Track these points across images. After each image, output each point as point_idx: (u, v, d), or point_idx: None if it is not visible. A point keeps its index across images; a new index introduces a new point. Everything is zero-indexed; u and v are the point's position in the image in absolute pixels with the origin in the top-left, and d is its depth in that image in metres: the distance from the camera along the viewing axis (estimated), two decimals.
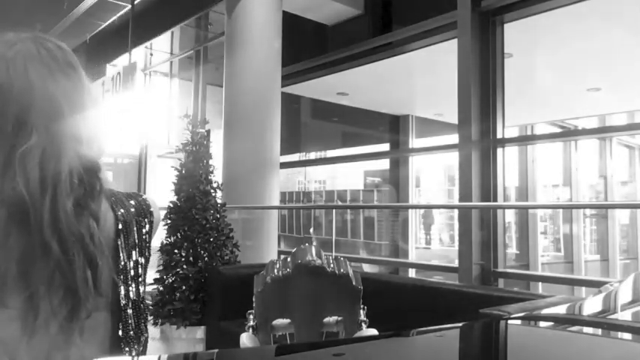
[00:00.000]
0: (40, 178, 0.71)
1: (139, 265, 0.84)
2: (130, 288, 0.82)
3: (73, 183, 0.74)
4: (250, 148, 5.20)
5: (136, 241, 0.84)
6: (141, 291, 0.85)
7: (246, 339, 2.11)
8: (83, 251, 0.73)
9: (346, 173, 10.47)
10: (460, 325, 0.70)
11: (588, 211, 8.93)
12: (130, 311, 0.81)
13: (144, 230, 0.85)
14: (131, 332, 0.81)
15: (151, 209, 0.88)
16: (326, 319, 2.08)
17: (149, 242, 0.87)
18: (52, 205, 0.71)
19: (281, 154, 5.51)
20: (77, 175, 0.75)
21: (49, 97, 0.76)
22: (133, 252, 0.83)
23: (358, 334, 2.05)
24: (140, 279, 0.85)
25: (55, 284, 0.71)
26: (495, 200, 4.49)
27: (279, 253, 5.40)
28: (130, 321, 0.81)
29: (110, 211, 0.82)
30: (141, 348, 0.83)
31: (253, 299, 2.21)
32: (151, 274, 4.54)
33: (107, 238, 0.80)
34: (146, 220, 0.86)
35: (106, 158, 10.49)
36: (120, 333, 0.80)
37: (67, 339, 0.73)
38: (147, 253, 0.86)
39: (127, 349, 0.80)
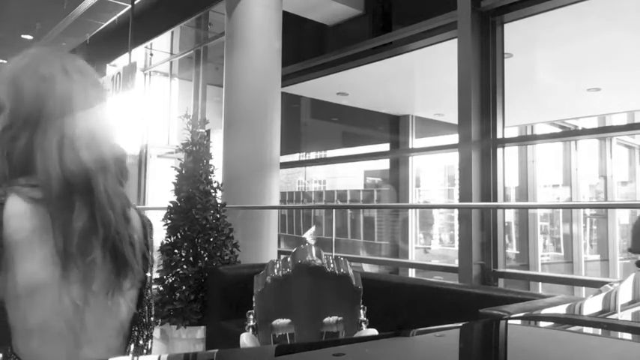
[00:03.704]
0: (94, 158, 0.84)
1: (149, 266, 0.94)
2: (148, 275, 0.92)
3: (114, 167, 0.88)
4: (250, 148, 5.19)
5: (149, 243, 0.95)
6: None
7: (246, 339, 2.11)
8: (127, 227, 0.85)
9: (346, 173, 10.48)
10: (460, 325, 0.70)
11: (588, 211, 8.93)
12: (148, 295, 0.91)
13: (149, 238, 0.96)
14: (146, 317, 0.90)
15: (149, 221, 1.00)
16: (326, 319, 2.09)
17: (152, 248, 0.97)
18: (105, 182, 0.83)
19: (281, 154, 5.51)
20: (115, 162, 0.88)
21: (84, 103, 0.91)
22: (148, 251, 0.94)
23: (358, 334, 2.05)
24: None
25: (109, 253, 0.80)
26: (495, 200, 4.49)
27: (279, 253, 5.40)
28: (145, 306, 0.90)
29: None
30: (151, 332, 0.92)
31: (253, 299, 2.21)
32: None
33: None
34: (151, 228, 0.98)
35: None
36: (138, 311, 0.89)
37: (116, 306, 0.83)
38: (153, 257, 0.97)
39: (136, 329, 0.88)
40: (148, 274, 0.91)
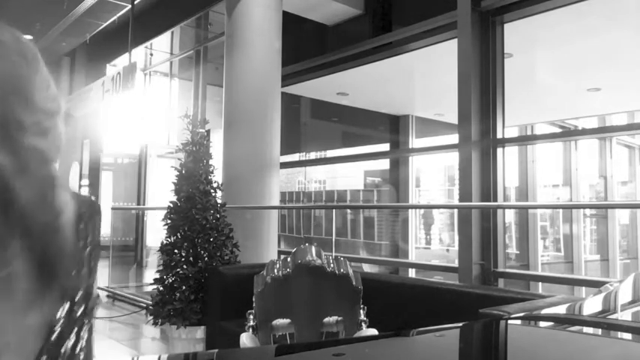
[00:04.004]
0: (8, 157, 0.67)
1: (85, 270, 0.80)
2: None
3: (37, 169, 0.70)
4: (250, 148, 5.20)
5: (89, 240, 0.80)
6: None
7: (246, 339, 2.11)
8: (57, 233, 0.70)
9: (346, 173, 10.47)
10: (460, 325, 0.70)
11: (588, 211, 8.93)
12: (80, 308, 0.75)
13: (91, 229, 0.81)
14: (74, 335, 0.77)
15: None
16: (326, 319, 2.09)
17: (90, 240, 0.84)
18: (25, 186, 0.67)
19: (281, 154, 5.51)
20: (38, 162, 0.71)
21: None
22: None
23: (358, 334, 2.05)
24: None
25: (33, 265, 0.67)
26: (495, 200, 4.49)
27: (279, 253, 5.40)
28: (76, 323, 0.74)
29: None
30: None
31: (253, 299, 2.21)
32: (151, 274, 4.54)
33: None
34: (93, 215, 0.83)
35: (106, 158, 10.33)
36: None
37: (40, 325, 0.68)
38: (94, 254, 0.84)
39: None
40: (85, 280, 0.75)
